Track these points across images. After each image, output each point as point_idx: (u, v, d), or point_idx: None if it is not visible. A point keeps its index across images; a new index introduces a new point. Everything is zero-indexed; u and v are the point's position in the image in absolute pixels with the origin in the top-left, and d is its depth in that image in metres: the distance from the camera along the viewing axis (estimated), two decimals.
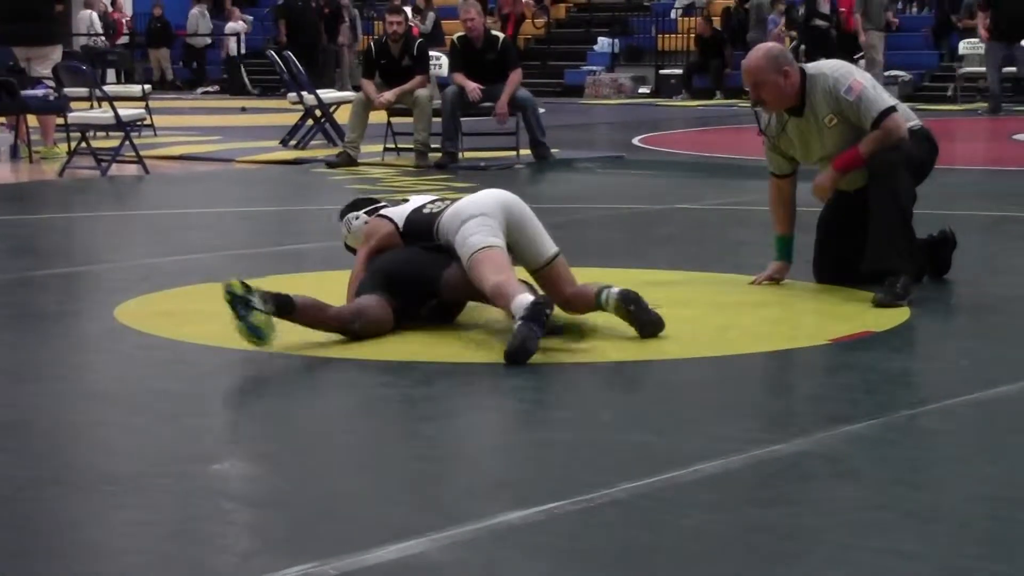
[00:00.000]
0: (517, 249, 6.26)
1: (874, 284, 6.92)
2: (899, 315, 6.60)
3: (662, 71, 29.06)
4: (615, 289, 6.12)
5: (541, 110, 15.28)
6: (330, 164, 14.31)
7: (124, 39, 32.69)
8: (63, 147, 14.82)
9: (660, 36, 29.72)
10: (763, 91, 7.02)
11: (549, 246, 6.32)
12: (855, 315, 6.65)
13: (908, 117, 7.20)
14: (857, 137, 7.01)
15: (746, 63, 7.11)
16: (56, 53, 15.40)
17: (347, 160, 14.29)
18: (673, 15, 30.61)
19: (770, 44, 7.43)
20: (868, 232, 7.00)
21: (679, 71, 28.57)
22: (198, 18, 33.21)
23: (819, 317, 6.78)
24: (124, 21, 33.44)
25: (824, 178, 7.09)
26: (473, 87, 14.17)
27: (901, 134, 6.98)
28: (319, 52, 27.60)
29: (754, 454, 4.46)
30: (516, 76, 14.39)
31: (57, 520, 3.99)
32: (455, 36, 15.12)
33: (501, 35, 14.84)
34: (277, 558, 3.59)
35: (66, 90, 14.92)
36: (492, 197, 6.34)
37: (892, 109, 6.99)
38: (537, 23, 31.08)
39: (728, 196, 11.74)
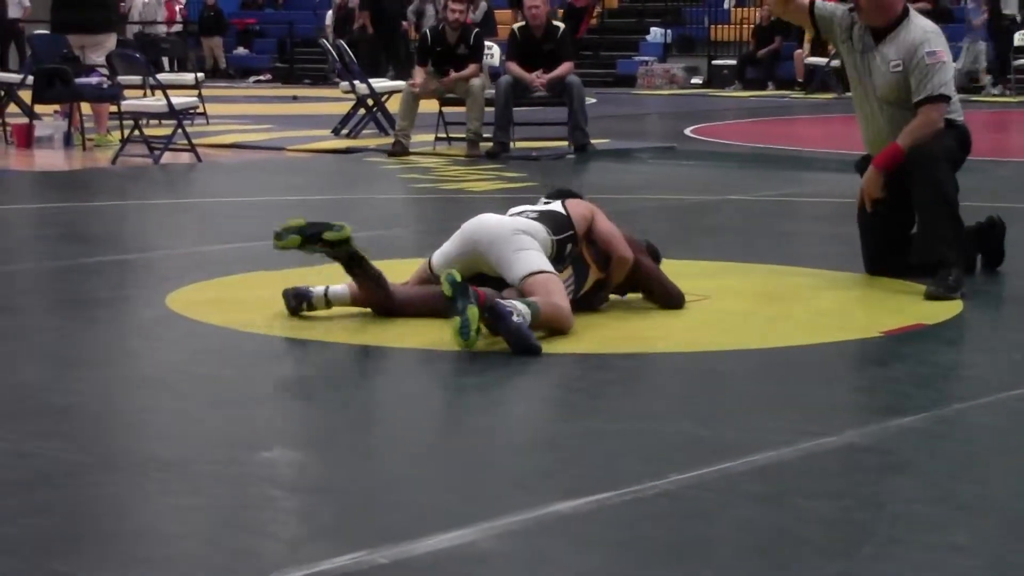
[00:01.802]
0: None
1: (925, 276, 6.90)
2: (951, 308, 6.57)
3: (715, 61, 28.98)
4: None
5: (592, 100, 15.26)
6: (390, 154, 14.31)
7: (178, 27, 32.80)
8: (116, 135, 14.90)
9: (713, 26, 29.64)
10: None
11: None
12: (907, 307, 6.62)
13: (954, 110, 7.18)
14: (903, 102, 7.04)
15: None
16: (110, 41, 15.46)
17: (402, 149, 14.31)
18: (726, 5, 30.51)
19: None
20: (917, 224, 7.00)
21: (732, 61, 28.48)
22: (155, 8, 32.55)
23: (870, 309, 6.75)
24: (178, 9, 33.53)
25: (869, 180, 7.12)
26: (533, 78, 14.15)
27: (937, 125, 7.01)
28: (399, 40, 27.71)
29: (804, 446, 4.45)
30: (568, 66, 14.38)
31: (107, 505, 4.01)
32: (515, 26, 15.13)
33: (561, 25, 14.81)
34: (327, 546, 3.60)
35: (119, 78, 14.99)
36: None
37: (945, 99, 7.00)
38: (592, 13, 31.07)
39: (780, 187, 11.69)
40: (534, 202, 6.63)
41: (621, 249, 6.40)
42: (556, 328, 5.93)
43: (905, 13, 7.14)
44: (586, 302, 6.40)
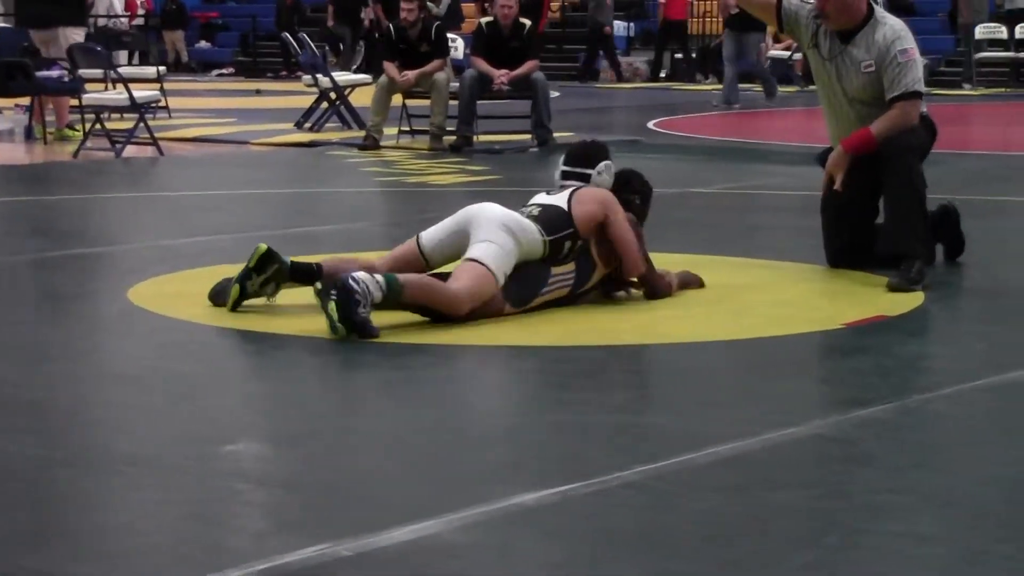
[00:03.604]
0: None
1: (887, 268, 6.93)
2: (913, 299, 6.60)
3: (678, 55, 29.00)
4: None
5: (555, 94, 15.25)
6: (362, 148, 14.26)
7: (139, 20, 32.59)
8: (78, 131, 14.82)
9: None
10: (829, 4, 7.10)
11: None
12: (869, 299, 6.65)
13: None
14: (876, 100, 7.08)
15: None
16: (71, 34, 15.36)
17: (373, 144, 14.28)
18: None
19: None
20: (885, 215, 7.04)
21: (693, 55, 28.51)
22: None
23: (833, 301, 6.77)
24: (139, 2, 33.30)
25: (835, 160, 7.12)
26: (499, 76, 14.15)
27: (913, 121, 7.05)
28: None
29: (769, 437, 4.46)
30: (533, 64, 14.37)
31: (73, 500, 4.00)
32: (482, 20, 15.11)
33: (528, 22, 14.81)
34: (292, 539, 3.59)
35: (81, 71, 14.91)
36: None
37: (919, 95, 7.05)
38: (553, 7, 31.06)
39: (743, 180, 11.72)
40: (551, 187, 6.71)
41: (631, 264, 6.44)
42: (430, 306, 5.96)
43: (871, 12, 7.16)
44: (594, 291, 6.48)
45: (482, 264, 6.05)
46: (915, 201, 6.96)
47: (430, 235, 6.36)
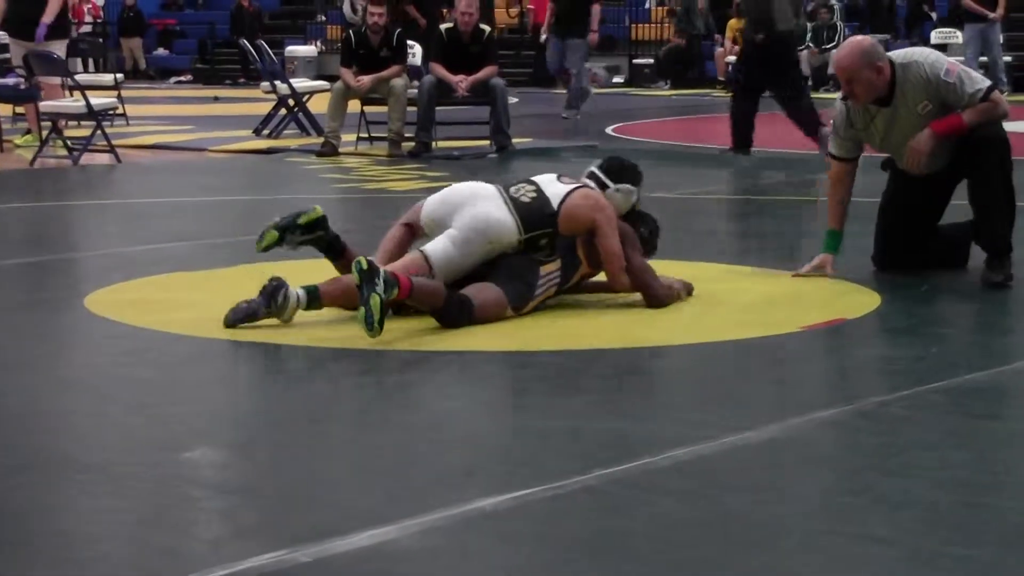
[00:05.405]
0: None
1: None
2: (871, 302, 6.63)
3: (635, 60, 29.05)
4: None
5: (514, 100, 15.24)
6: (320, 154, 14.22)
7: (86, 27, 32.35)
8: (34, 136, 14.75)
9: (633, 26, 29.72)
10: (856, 87, 7.00)
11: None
12: (827, 303, 6.67)
13: None
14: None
15: (840, 59, 7.06)
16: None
17: (332, 150, 14.24)
18: (647, 4, 30.58)
19: (862, 38, 7.26)
20: (975, 205, 7.14)
21: (651, 60, 28.55)
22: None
23: (791, 305, 6.79)
24: (86, 8, 33.06)
25: (920, 142, 7.06)
26: (459, 81, 14.13)
27: (1006, 109, 7.12)
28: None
29: (727, 440, 4.47)
30: (492, 69, 14.37)
31: (27, 508, 3.98)
32: (442, 27, 15.11)
33: (487, 28, 14.81)
34: (248, 545, 3.59)
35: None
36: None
37: (992, 88, 7.08)
38: (511, 12, 31.07)
39: (701, 185, 11.75)
40: (579, 169, 6.81)
41: (611, 277, 6.48)
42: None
43: (893, 70, 7.02)
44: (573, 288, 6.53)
45: (425, 259, 6.20)
46: (1008, 191, 7.05)
47: (430, 206, 6.46)
